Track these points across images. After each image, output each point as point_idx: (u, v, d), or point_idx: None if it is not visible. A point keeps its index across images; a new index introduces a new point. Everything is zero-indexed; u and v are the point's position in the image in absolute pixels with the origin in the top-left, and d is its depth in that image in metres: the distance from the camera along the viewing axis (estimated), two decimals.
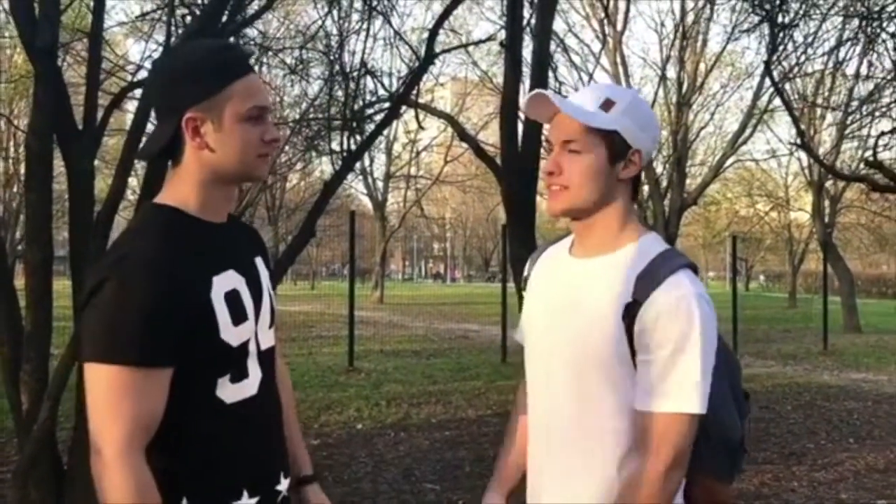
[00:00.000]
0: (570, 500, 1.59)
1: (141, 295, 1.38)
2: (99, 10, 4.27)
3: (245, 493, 1.52)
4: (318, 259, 42.42)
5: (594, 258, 1.62)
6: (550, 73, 6.18)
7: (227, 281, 1.51)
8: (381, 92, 7.37)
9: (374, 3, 6.59)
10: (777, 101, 14.31)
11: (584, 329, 1.56)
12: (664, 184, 16.69)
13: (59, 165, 4.28)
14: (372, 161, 29.02)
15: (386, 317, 20.14)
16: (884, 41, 7.53)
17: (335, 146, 7.21)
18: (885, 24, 7.24)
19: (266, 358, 1.60)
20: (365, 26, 6.77)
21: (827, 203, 20.30)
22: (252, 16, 5.61)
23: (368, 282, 32.82)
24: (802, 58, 9.68)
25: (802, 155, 19.26)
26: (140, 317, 1.37)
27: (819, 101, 16.31)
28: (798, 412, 8.14)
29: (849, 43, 9.67)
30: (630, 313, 1.51)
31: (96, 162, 4.45)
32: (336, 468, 5.74)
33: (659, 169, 17.09)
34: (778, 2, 7.22)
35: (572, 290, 1.62)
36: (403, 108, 7.84)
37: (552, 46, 6.16)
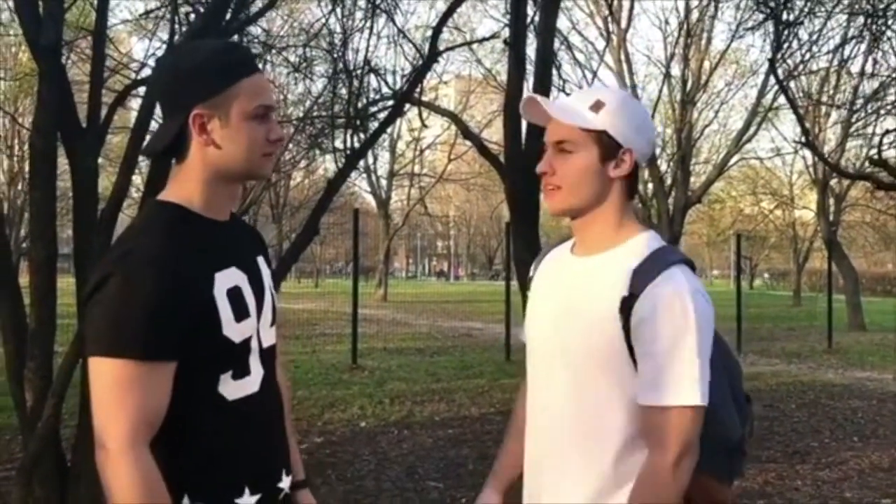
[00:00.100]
0: (569, 496, 1.60)
1: (145, 290, 1.39)
2: (103, 7, 4.27)
3: (247, 490, 1.52)
4: (321, 257, 42.41)
5: (593, 256, 1.64)
6: (554, 71, 6.17)
7: (229, 278, 1.52)
8: (385, 90, 7.39)
9: (378, 0, 6.59)
10: (782, 99, 14.31)
11: (585, 328, 1.58)
12: (668, 182, 16.68)
13: (63, 163, 4.30)
14: (375, 159, 29.08)
15: (389, 315, 20.14)
16: (889, 39, 7.53)
17: (339, 144, 7.21)
18: (890, 22, 7.22)
19: (267, 356, 1.61)
20: (368, 24, 6.77)
21: (832, 201, 20.27)
22: (256, 14, 5.61)
23: (372, 280, 32.83)
24: (807, 55, 9.69)
25: (807, 153, 19.21)
26: (144, 312, 1.38)
27: (824, 98, 16.29)
28: (802, 410, 8.12)
29: (854, 41, 9.69)
30: (626, 307, 1.53)
31: (100, 160, 4.46)
32: (339, 466, 5.74)
33: (663, 167, 17.09)
34: None
35: (573, 289, 1.64)
36: (407, 106, 7.84)
37: (556, 44, 6.16)
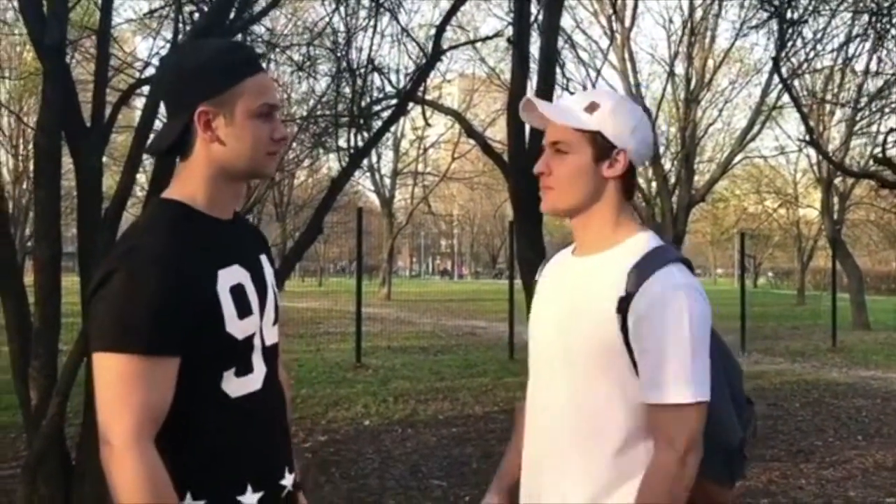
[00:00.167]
0: (569, 495, 1.60)
1: (149, 286, 1.39)
2: (107, 7, 4.28)
3: (249, 488, 1.53)
4: (325, 256, 42.48)
5: (592, 256, 1.66)
6: (558, 70, 6.17)
7: (232, 275, 1.52)
8: (389, 89, 7.38)
9: None
10: (786, 98, 14.26)
11: (587, 328, 1.59)
12: (672, 180, 16.65)
13: (67, 162, 4.31)
14: (379, 158, 29.04)
15: (393, 313, 20.16)
16: (893, 37, 7.50)
17: (342, 143, 7.23)
18: (894, 21, 7.20)
19: (270, 354, 1.61)
20: (372, 23, 6.78)
21: (836, 200, 20.21)
22: (259, 13, 5.61)
23: (376, 278, 32.87)
24: (811, 54, 9.66)
25: (811, 151, 19.20)
26: (148, 307, 1.38)
27: (828, 97, 16.24)
28: (806, 409, 8.11)
29: (858, 39, 9.64)
30: (623, 306, 1.54)
31: (104, 159, 4.46)
32: (343, 464, 5.75)
33: (667, 165, 17.07)
34: None
35: (573, 290, 1.66)
36: (411, 104, 7.85)
37: (560, 43, 6.16)
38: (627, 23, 16.70)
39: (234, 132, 1.51)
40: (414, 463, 5.83)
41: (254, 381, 1.55)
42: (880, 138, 10.30)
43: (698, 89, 17.35)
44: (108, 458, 1.37)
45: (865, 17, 7.96)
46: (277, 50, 7.66)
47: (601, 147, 1.63)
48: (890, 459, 6.03)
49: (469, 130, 8.88)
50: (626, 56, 16.72)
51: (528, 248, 5.33)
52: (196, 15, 5.06)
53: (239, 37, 5.09)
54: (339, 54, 7.00)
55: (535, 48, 5.83)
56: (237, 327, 1.50)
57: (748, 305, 14.38)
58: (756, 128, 16.51)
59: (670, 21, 26.77)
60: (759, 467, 5.60)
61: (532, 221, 5.34)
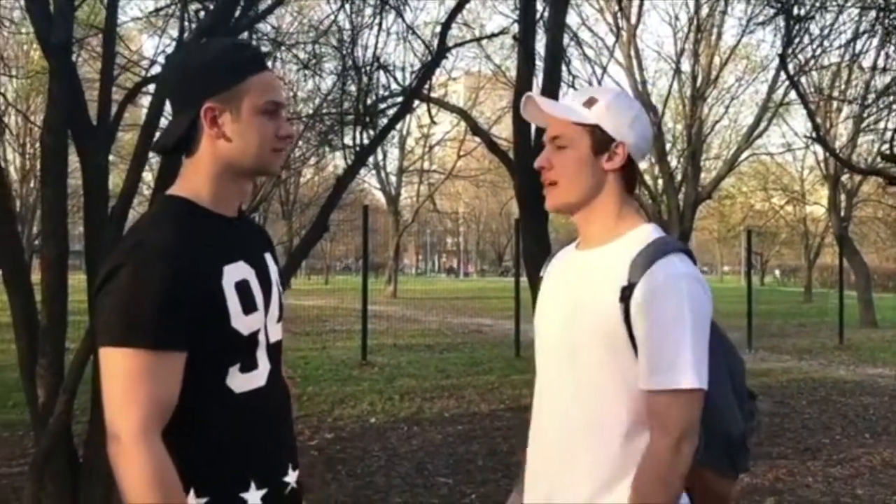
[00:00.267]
0: (578, 487, 1.61)
1: (155, 280, 1.40)
2: (113, 5, 4.28)
3: (253, 485, 1.53)
4: (331, 254, 42.58)
5: (595, 249, 1.68)
6: (564, 67, 6.15)
7: (237, 271, 1.53)
8: (394, 86, 7.38)
9: None
10: (792, 95, 14.18)
11: (591, 320, 1.60)
12: (679, 178, 16.62)
13: (74, 160, 4.32)
14: (385, 155, 29.10)
15: (399, 311, 20.16)
16: None
17: (348, 141, 7.23)
18: None
19: (274, 351, 1.62)
20: (378, 21, 6.76)
21: (843, 197, 20.16)
22: (265, 11, 5.61)
23: (382, 276, 32.90)
24: (818, 50, 9.62)
25: (818, 148, 19.12)
26: (154, 302, 1.39)
27: (835, 94, 16.18)
28: (813, 407, 8.09)
29: (865, 35, 9.61)
30: (625, 296, 1.56)
31: (111, 157, 4.47)
32: (349, 462, 5.76)
33: (673, 163, 17.04)
34: None
35: (577, 283, 1.67)
36: (416, 102, 7.84)
37: (565, 40, 6.14)
38: (633, 20, 16.67)
39: (240, 129, 1.52)
40: (420, 460, 5.83)
41: (258, 377, 1.56)
42: (888, 135, 10.28)
43: (705, 86, 17.30)
44: (116, 453, 1.38)
45: (873, 13, 7.93)
46: (283, 48, 7.67)
47: (600, 140, 1.65)
48: None
49: (475, 128, 8.86)
50: (632, 53, 16.68)
51: (533, 245, 5.32)
52: (202, 13, 5.06)
53: (244, 35, 5.09)
54: (344, 52, 6.99)
55: (540, 45, 5.81)
56: (242, 323, 1.51)
57: (755, 303, 14.37)
58: (763, 125, 16.48)
59: (676, 18, 26.73)
60: (766, 465, 5.59)
61: (538, 219, 5.33)
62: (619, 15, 16.16)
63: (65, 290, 3.81)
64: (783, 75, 11.67)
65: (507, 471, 5.42)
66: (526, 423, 1.81)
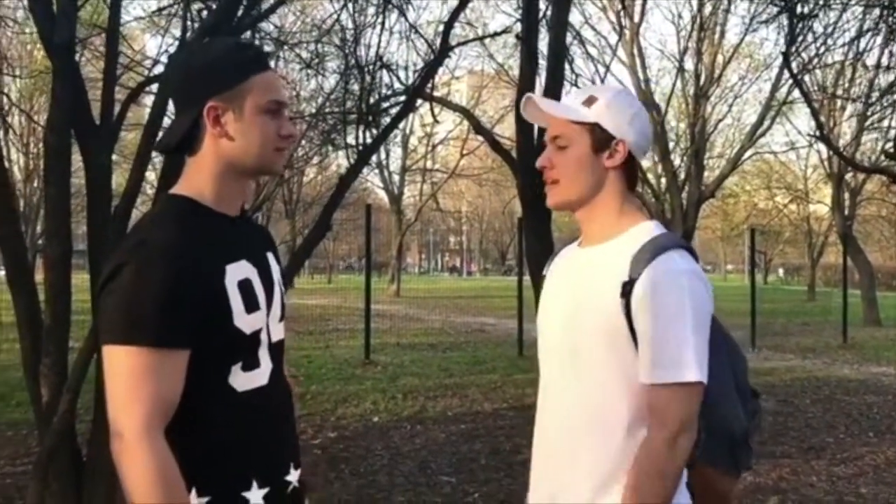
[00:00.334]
0: (581, 482, 1.61)
1: (158, 279, 1.40)
2: (116, 5, 4.29)
3: (255, 484, 1.53)
4: (334, 253, 42.56)
5: (597, 246, 1.69)
6: (567, 66, 6.15)
7: (240, 270, 1.53)
8: (397, 85, 7.40)
9: None
10: (796, 93, 14.16)
11: (594, 317, 1.61)
12: (682, 176, 16.61)
13: (77, 160, 4.32)
14: (388, 155, 29.12)
15: (402, 310, 20.15)
16: None
17: (351, 140, 7.22)
18: None
19: (276, 350, 1.62)
20: (380, 20, 6.76)
21: (847, 195, 20.10)
22: (267, 10, 5.61)
23: (385, 275, 32.91)
24: (822, 48, 9.61)
25: (822, 147, 19.09)
26: (157, 300, 1.39)
27: (839, 92, 16.14)
28: (817, 406, 8.08)
29: (869, 33, 9.57)
30: (626, 291, 1.56)
31: (114, 156, 4.47)
32: (352, 461, 5.76)
33: (677, 161, 17.01)
34: None
35: (580, 280, 1.68)
36: (419, 101, 7.83)
37: (568, 38, 6.14)
38: (636, 18, 16.65)
39: (243, 128, 1.53)
40: (423, 459, 5.83)
41: (260, 375, 1.56)
42: (892, 133, 10.26)
43: (708, 85, 17.28)
44: (120, 451, 1.38)
45: (877, 11, 7.91)
46: (286, 47, 7.68)
47: (600, 138, 1.66)
48: None
49: (477, 127, 8.87)
50: (635, 52, 16.66)
51: (536, 244, 5.32)
52: (205, 13, 5.06)
53: (247, 34, 5.10)
54: (347, 51, 7.00)
55: (543, 44, 5.82)
56: (245, 322, 1.51)
57: (759, 302, 14.34)
58: (766, 123, 16.43)
59: (679, 16, 26.67)
60: (770, 464, 5.58)
61: (540, 217, 5.33)
62: (622, 13, 16.14)
63: (68, 289, 3.81)
64: (786, 73, 11.64)
65: (510, 470, 5.43)
66: (530, 423, 1.82)
